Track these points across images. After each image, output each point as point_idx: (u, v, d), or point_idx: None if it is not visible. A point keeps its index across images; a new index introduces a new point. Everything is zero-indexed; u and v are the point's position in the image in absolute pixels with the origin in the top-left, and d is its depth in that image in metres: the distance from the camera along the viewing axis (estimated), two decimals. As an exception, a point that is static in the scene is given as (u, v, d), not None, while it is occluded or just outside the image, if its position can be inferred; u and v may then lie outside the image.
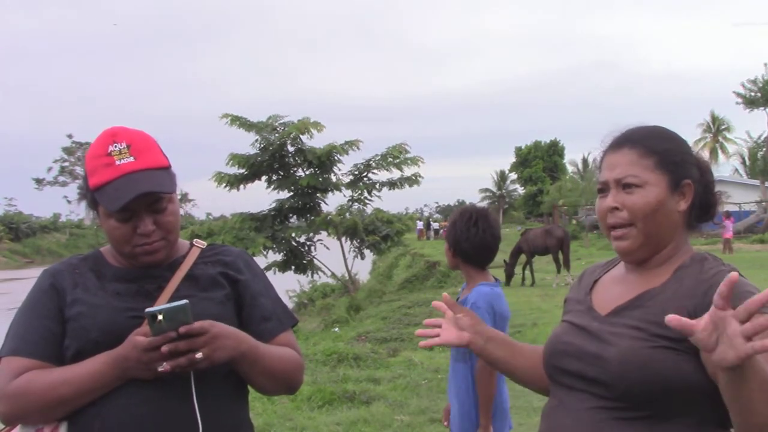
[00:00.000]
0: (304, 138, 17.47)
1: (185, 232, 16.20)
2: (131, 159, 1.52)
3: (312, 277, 19.61)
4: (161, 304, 1.52)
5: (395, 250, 24.46)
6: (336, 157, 17.91)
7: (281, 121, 17.71)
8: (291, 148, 17.76)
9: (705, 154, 1.62)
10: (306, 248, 18.76)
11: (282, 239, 17.99)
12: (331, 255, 18.95)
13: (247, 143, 17.98)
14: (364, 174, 18.72)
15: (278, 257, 18.38)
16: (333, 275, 19.80)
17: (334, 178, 18.45)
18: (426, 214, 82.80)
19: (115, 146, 1.53)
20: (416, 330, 1.73)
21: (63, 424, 1.49)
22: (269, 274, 14.63)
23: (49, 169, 62.91)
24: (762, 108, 39.07)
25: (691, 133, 49.86)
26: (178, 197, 1.64)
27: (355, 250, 19.14)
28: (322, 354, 8.44)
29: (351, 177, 18.72)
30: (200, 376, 1.48)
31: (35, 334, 1.52)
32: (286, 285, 19.99)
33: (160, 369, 1.41)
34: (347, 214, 18.58)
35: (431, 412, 5.79)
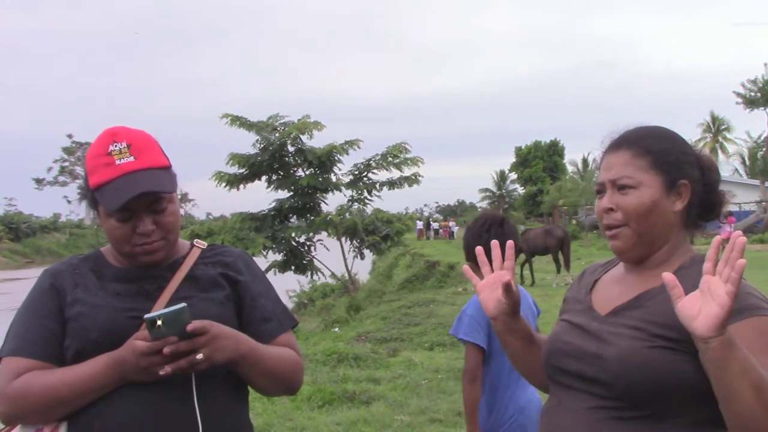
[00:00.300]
0: (304, 138, 17.46)
1: (185, 231, 16.20)
2: (131, 159, 1.52)
3: (312, 277, 19.60)
4: (160, 307, 1.52)
5: (395, 250, 24.45)
6: (336, 157, 17.90)
7: (281, 121, 17.71)
8: (291, 148, 17.76)
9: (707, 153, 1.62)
10: (306, 248, 18.76)
11: (282, 239, 17.99)
12: (331, 255, 18.94)
13: (247, 143, 18.02)
14: (364, 174, 18.72)
15: (278, 257, 18.38)
16: (333, 275, 19.80)
17: (334, 178, 18.45)
18: (426, 214, 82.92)
19: (116, 146, 1.53)
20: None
21: (63, 424, 1.49)
22: (269, 275, 14.65)
23: (49, 169, 62.99)
24: (762, 108, 39.07)
25: (691, 133, 49.83)
26: (178, 197, 1.64)
27: (355, 250, 19.13)
28: (322, 354, 8.43)
29: (351, 177, 18.72)
30: (200, 376, 1.48)
31: (35, 335, 1.52)
32: (286, 285, 19.99)
33: (161, 372, 1.40)
34: (347, 214, 18.58)
35: (431, 412, 5.79)
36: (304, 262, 18.63)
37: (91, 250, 1.74)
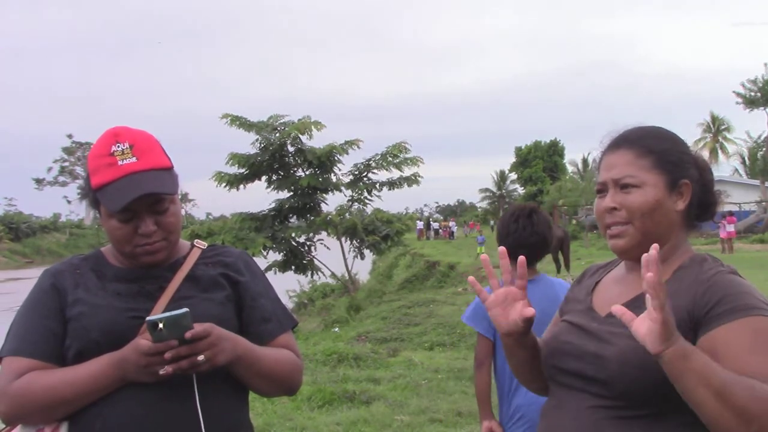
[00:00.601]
0: (303, 138, 17.47)
1: (185, 232, 16.20)
2: (134, 159, 1.52)
3: (312, 277, 19.61)
4: (161, 307, 1.53)
5: (395, 250, 24.46)
6: (336, 157, 17.91)
7: (281, 121, 17.72)
8: (291, 148, 17.77)
9: (705, 154, 1.63)
10: (306, 248, 18.76)
11: (282, 239, 17.99)
12: (331, 255, 18.95)
13: (247, 143, 18.00)
14: (364, 174, 18.72)
15: (278, 257, 18.38)
16: (333, 275, 19.81)
17: (334, 178, 18.45)
18: (426, 214, 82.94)
19: (118, 146, 1.53)
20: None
21: (64, 424, 1.49)
22: (269, 274, 14.65)
23: (49, 169, 63.13)
24: (762, 108, 39.07)
25: (691, 133, 49.87)
26: (179, 197, 1.64)
27: (355, 250, 19.14)
28: (322, 354, 8.44)
29: (351, 177, 18.72)
30: (201, 377, 1.48)
31: (36, 334, 1.52)
32: (286, 285, 20.01)
33: (161, 372, 1.41)
34: (347, 214, 18.58)
35: (431, 412, 5.79)
36: (304, 262, 18.64)
37: (91, 250, 1.74)
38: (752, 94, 38.52)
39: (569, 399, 1.45)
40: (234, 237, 16.97)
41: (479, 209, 74.73)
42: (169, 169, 1.59)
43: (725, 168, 45.94)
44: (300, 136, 17.32)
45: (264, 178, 18.10)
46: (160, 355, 1.40)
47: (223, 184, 17.71)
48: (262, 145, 17.53)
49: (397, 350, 9.27)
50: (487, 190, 70.33)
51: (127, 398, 1.46)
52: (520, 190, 64.22)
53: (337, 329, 14.51)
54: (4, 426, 1.55)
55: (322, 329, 15.75)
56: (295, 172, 18.21)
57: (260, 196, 28.68)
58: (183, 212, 1.74)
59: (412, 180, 18.49)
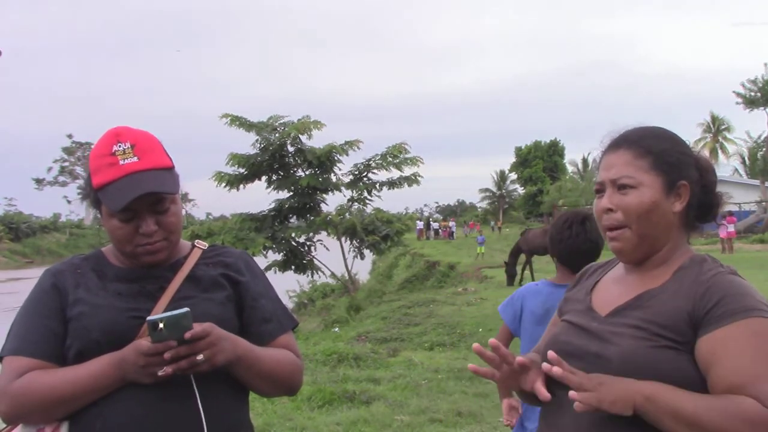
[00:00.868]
0: (303, 138, 17.48)
1: (185, 232, 16.19)
2: (135, 159, 1.52)
3: (312, 277, 19.62)
4: (161, 307, 1.53)
5: (395, 250, 24.48)
6: (336, 157, 17.92)
7: (281, 121, 17.73)
8: (291, 148, 17.78)
9: (705, 154, 1.62)
10: (306, 248, 18.77)
11: (282, 239, 18.00)
12: (331, 255, 18.96)
13: (247, 143, 18.02)
14: (364, 174, 18.73)
15: (278, 257, 18.39)
16: (333, 275, 19.81)
17: (334, 178, 18.47)
18: (426, 214, 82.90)
19: (119, 146, 1.53)
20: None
21: (64, 423, 1.49)
22: (269, 274, 14.66)
23: (49, 169, 63.13)
24: (762, 108, 39.09)
25: (691, 133, 49.89)
26: (180, 197, 1.64)
27: (354, 250, 19.15)
28: (322, 354, 8.44)
29: (351, 177, 18.73)
30: (201, 377, 1.48)
31: (36, 334, 1.52)
32: (286, 285, 20.03)
33: (160, 373, 1.41)
34: (347, 214, 18.59)
35: (431, 412, 5.79)
36: (304, 261, 18.65)
37: (91, 250, 1.74)
38: (752, 94, 38.54)
39: (570, 399, 1.45)
40: (234, 237, 16.98)
41: (479, 209, 74.75)
42: (170, 169, 1.59)
43: (725, 168, 45.95)
44: (300, 136, 17.33)
45: (264, 178, 18.11)
46: (159, 355, 1.40)
47: (223, 184, 17.72)
48: (262, 146, 17.54)
49: (397, 350, 9.27)
50: (487, 190, 70.36)
51: (127, 398, 1.46)
52: (520, 190, 64.27)
53: (337, 329, 14.52)
54: (4, 425, 1.55)
55: (322, 329, 15.76)
56: (295, 172, 18.22)
57: (260, 197, 28.65)
58: (183, 212, 1.74)
59: (412, 180, 18.50)
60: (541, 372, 1.39)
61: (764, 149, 39.39)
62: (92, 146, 1.61)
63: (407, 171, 18.39)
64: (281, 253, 18.32)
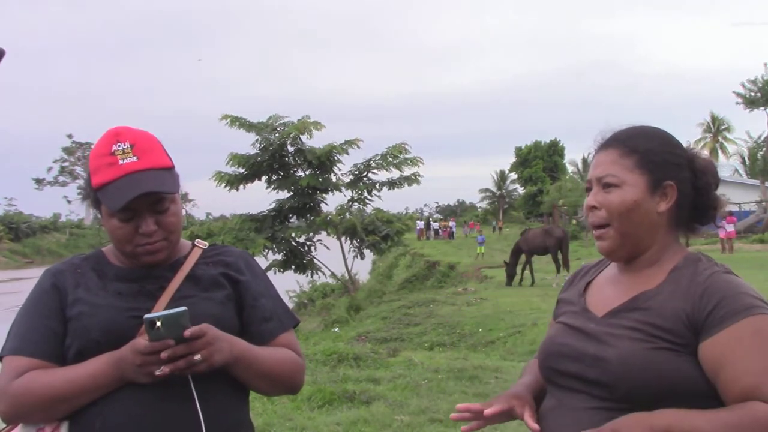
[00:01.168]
0: (303, 138, 17.49)
1: (184, 233, 16.16)
2: (134, 159, 1.52)
3: (312, 277, 19.62)
4: (161, 307, 1.53)
5: (395, 250, 24.49)
6: (336, 157, 17.93)
7: (281, 122, 17.74)
8: (291, 148, 17.79)
9: (706, 156, 1.61)
10: (306, 248, 18.78)
11: (282, 239, 18.01)
12: (331, 255, 18.97)
13: (247, 143, 18.03)
14: (364, 174, 18.74)
15: (278, 257, 18.40)
16: (333, 275, 19.82)
17: (334, 178, 18.48)
18: (426, 214, 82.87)
19: (119, 146, 1.53)
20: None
21: (64, 423, 1.50)
22: (269, 274, 14.66)
23: (49, 169, 63.14)
24: (762, 108, 39.07)
25: (691, 133, 49.98)
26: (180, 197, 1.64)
27: (355, 250, 19.16)
28: (322, 354, 8.43)
29: (351, 177, 18.74)
30: (200, 376, 1.48)
31: (36, 334, 1.52)
32: (286, 285, 20.02)
33: (157, 373, 1.41)
34: (347, 214, 18.60)
35: (431, 412, 5.79)
36: (304, 261, 18.66)
37: (91, 249, 1.74)
38: (752, 94, 38.52)
39: (569, 400, 1.44)
40: (234, 238, 16.99)
41: (479, 209, 74.72)
42: (170, 169, 1.59)
43: (725, 168, 45.92)
44: (300, 136, 17.33)
45: (264, 178, 18.13)
46: (156, 354, 1.40)
47: (223, 184, 17.73)
48: (262, 146, 17.55)
49: (397, 350, 9.26)
50: (487, 190, 70.32)
51: (127, 398, 1.46)
52: (520, 190, 64.25)
53: (337, 329, 14.53)
54: (4, 425, 1.55)
55: (322, 329, 15.77)
56: (295, 172, 18.23)
57: (260, 197, 28.70)
58: (183, 212, 1.74)
59: (412, 180, 18.51)
60: (530, 400, 1.49)
61: (764, 149, 39.40)
62: (92, 146, 1.61)
63: (407, 171, 18.43)
64: (281, 253, 18.33)
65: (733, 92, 39.40)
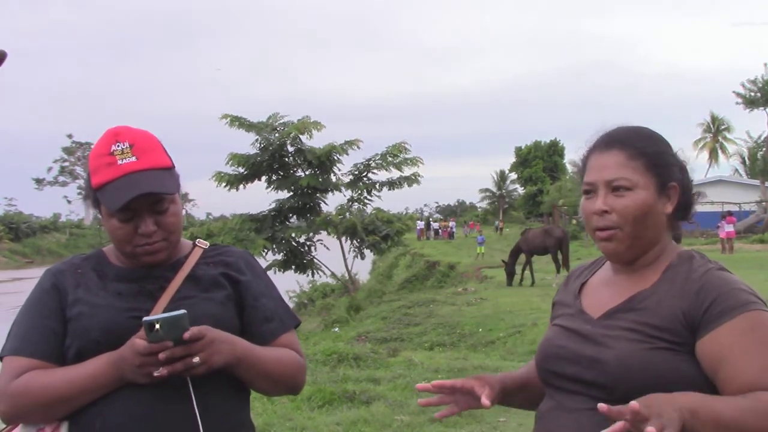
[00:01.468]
0: (303, 138, 17.50)
1: (184, 234, 16.19)
2: (133, 159, 1.52)
3: (312, 277, 19.64)
4: (161, 307, 1.53)
5: (395, 250, 24.51)
6: (336, 157, 17.94)
7: (281, 121, 17.75)
8: (291, 148, 17.80)
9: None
10: (306, 248, 18.79)
11: (282, 239, 18.02)
12: (331, 255, 18.98)
13: (247, 143, 18.04)
14: (364, 174, 18.75)
15: (278, 257, 18.41)
16: (333, 275, 19.83)
17: (334, 178, 18.49)
18: (426, 214, 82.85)
19: (118, 146, 1.53)
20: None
21: (64, 423, 1.50)
22: (270, 274, 14.68)
23: (49, 169, 63.23)
24: (762, 108, 39.12)
25: (691, 133, 50.02)
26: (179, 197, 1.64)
27: (355, 250, 19.17)
28: (322, 354, 8.44)
29: (351, 177, 18.75)
30: (200, 377, 1.48)
31: (36, 334, 1.52)
32: (286, 285, 20.03)
33: (156, 374, 1.41)
34: (347, 214, 18.61)
35: (431, 412, 5.79)
36: (304, 261, 18.67)
37: (92, 250, 1.74)
38: (752, 94, 38.57)
39: (568, 401, 1.44)
40: (234, 238, 17.00)
41: (479, 209, 74.73)
42: (170, 169, 1.59)
43: (725, 168, 45.99)
44: (300, 136, 17.34)
45: (264, 178, 18.14)
46: (154, 355, 1.40)
47: (223, 184, 17.74)
48: (262, 146, 17.56)
49: (397, 350, 9.27)
50: (487, 190, 70.32)
51: (126, 398, 1.46)
52: (520, 190, 64.24)
53: (337, 329, 14.54)
54: (4, 425, 1.55)
55: (322, 329, 15.78)
56: (295, 172, 18.24)
57: (260, 197, 28.60)
58: (183, 212, 1.74)
59: (412, 180, 18.52)
60: (494, 384, 1.54)
61: (764, 149, 39.43)
62: (92, 146, 1.61)
63: (407, 171, 18.44)
64: (281, 254, 18.34)
65: (733, 92, 39.51)
